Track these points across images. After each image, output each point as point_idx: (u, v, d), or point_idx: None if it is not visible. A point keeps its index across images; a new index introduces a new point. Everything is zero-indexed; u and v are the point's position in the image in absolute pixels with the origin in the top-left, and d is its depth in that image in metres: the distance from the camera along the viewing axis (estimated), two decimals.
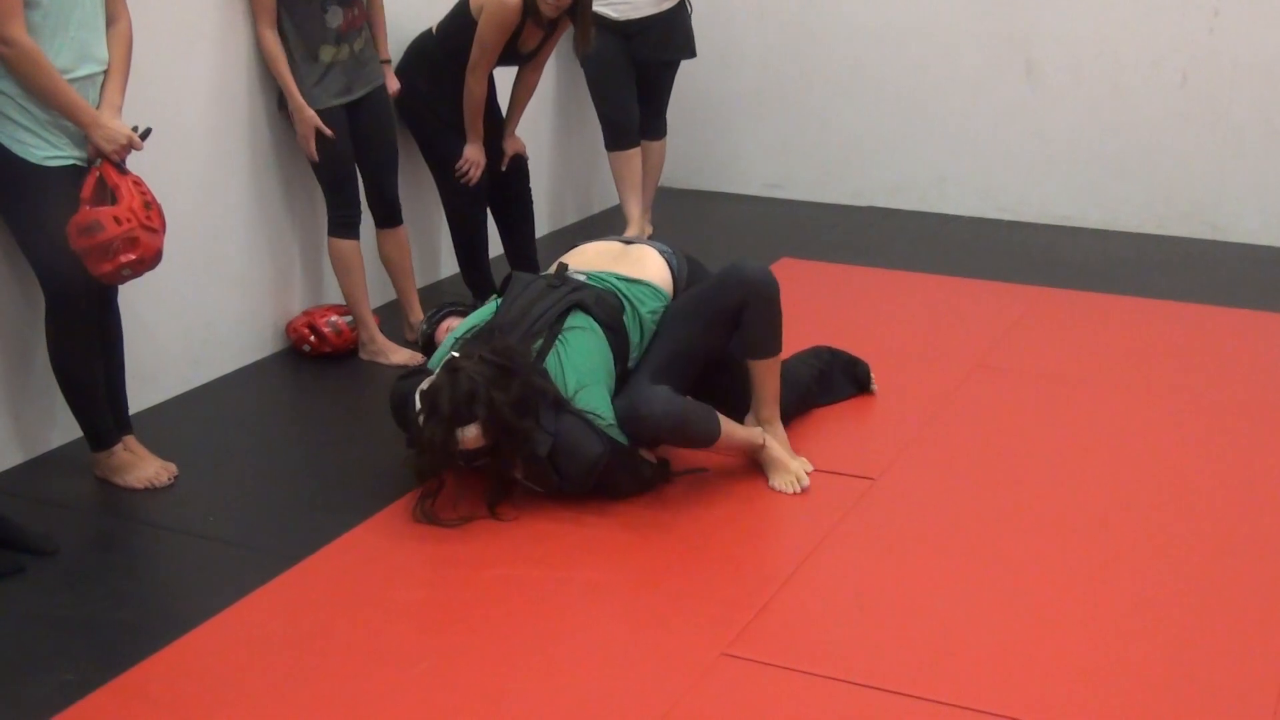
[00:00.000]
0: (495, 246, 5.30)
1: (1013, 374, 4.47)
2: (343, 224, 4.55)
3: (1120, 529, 3.45)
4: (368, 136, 4.56)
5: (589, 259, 3.93)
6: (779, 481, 3.64)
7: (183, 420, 4.19)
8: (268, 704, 2.77)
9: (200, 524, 3.54)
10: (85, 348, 3.53)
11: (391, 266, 4.82)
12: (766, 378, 3.72)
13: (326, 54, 4.36)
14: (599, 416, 3.47)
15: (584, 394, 3.50)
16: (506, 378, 3.39)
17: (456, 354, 3.47)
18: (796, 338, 4.48)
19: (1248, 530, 3.45)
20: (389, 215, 4.73)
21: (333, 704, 2.76)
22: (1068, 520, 3.49)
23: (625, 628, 3.05)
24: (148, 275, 3.48)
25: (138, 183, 3.44)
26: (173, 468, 3.76)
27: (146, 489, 3.66)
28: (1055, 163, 6.24)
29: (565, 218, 6.30)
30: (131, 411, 4.08)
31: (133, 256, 3.37)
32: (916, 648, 2.93)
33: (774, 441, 3.68)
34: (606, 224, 6.14)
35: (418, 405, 3.44)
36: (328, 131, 4.36)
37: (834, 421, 4.10)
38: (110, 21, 3.47)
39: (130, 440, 3.77)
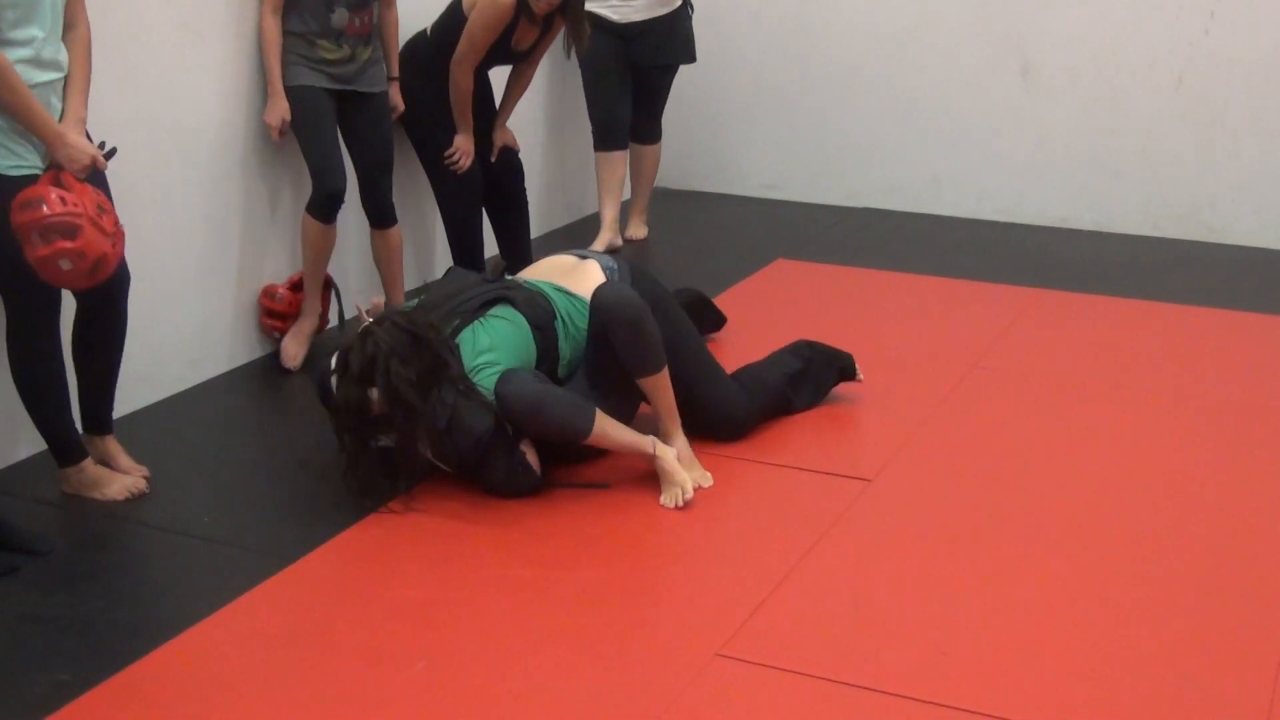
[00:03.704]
0: (491, 246, 5.32)
1: (1008, 376, 4.47)
2: (320, 207, 4.45)
3: (1115, 530, 3.46)
4: (364, 136, 4.55)
5: (539, 272, 4.00)
6: (663, 496, 3.58)
7: (179, 419, 4.18)
8: (263, 703, 2.77)
9: (195, 524, 3.54)
10: (46, 357, 3.47)
11: (382, 267, 4.80)
12: (654, 393, 3.69)
13: (325, 49, 4.34)
14: (487, 394, 3.51)
15: (483, 373, 3.54)
16: (414, 345, 3.48)
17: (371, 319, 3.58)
18: (792, 338, 4.48)
19: (1242, 531, 3.45)
20: (382, 216, 4.71)
21: (329, 703, 2.76)
22: (1062, 521, 3.50)
23: (620, 628, 3.05)
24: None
25: (96, 190, 3.33)
26: (144, 470, 3.72)
27: (129, 499, 3.62)
28: (1051, 164, 6.25)
29: (557, 219, 6.30)
30: (127, 411, 4.09)
31: (70, 245, 3.20)
32: (911, 648, 2.94)
33: (666, 453, 3.62)
34: (598, 225, 6.14)
35: (332, 365, 3.57)
36: (277, 133, 4.34)
37: (829, 422, 4.10)
38: (68, 27, 3.38)
39: (110, 440, 3.73)
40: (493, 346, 3.60)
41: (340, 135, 4.53)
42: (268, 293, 4.60)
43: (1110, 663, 2.89)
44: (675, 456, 3.63)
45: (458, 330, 3.64)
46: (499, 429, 3.50)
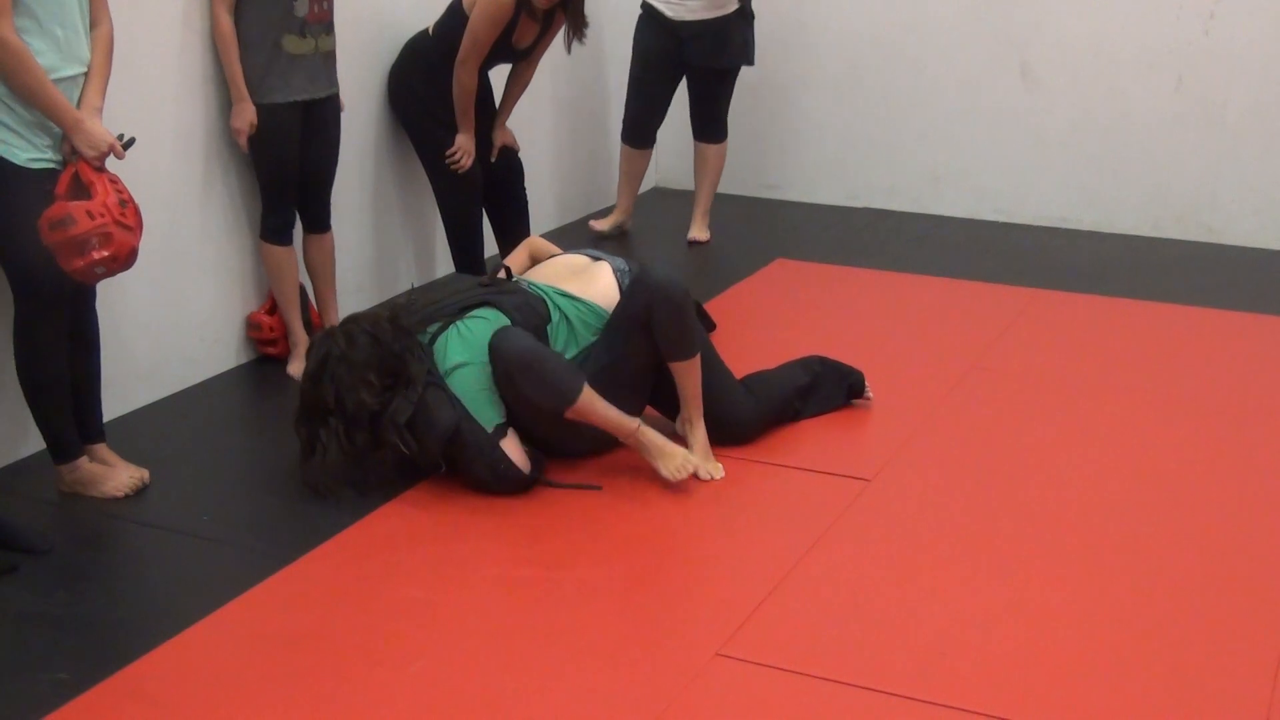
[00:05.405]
0: (491, 246, 5.32)
1: (1007, 376, 4.47)
2: (276, 230, 4.41)
3: (1114, 530, 3.46)
4: (316, 141, 4.42)
5: (546, 274, 3.98)
6: (665, 468, 3.62)
7: (179, 419, 4.18)
8: (262, 702, 2.77)
9: (195, 524, 3.54)
10: (53, 352, 3.48)
11: (314, 272, 4.64)
12: (684, 379, 3.74)
13: (290, 44, 4.21)
14: (458, 400, 3.55)
15: (458, 374, 3.58)
16: (374, 346, 3.58)
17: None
18: (792, 338, 4.49)
19: (1241, 531, 3.45)
20: (320, 221, 4.57)
21: (327, 703, 2.76)
22: (1062, 522, 3.50)
23: (620, 628, 3.05)
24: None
25: (114, 180, 3.39)
26: (145, 473, 3.71)
27: (127, 496, 3.63)
28: (1050, 164, 6.25)
29: (571, 213, 6.30)
30: (127, 410, 4.09)
31: (105, 253, 3.31)
32: (911, 648, 2.94)
33: (650, 431, 3.64)
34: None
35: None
36: (244, 139, 4.25)
37: (829, 423, 4.10)
38: (92, 25, 3.42)
39: (102, 448, 3.72)
40: (468, 348, 3.61)
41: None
42: (251, 326, 4.58)
43: (1110, 662, 2.89)
44: (659, 435, 3.66)
45: (439, 333, 3.67)
46: (471, 425, 3.53)
